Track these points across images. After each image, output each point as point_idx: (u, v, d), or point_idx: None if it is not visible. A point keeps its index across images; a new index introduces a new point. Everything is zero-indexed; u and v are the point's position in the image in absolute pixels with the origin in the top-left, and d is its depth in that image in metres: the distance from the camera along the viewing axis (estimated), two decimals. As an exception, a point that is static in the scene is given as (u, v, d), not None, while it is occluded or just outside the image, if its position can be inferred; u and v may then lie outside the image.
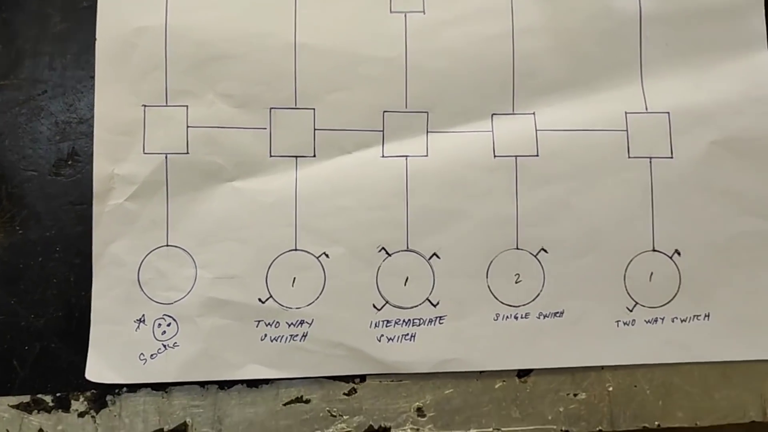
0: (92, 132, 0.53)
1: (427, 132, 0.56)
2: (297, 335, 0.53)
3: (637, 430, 0.55)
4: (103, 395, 0.53)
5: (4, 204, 0.52)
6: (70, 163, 0.53)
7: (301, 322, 0.53)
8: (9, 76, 0.54)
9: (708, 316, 0.55)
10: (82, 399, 0.53)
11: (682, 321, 0.56)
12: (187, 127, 0.54)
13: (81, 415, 0.53)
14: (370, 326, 0.54)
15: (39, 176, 0.53)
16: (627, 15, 0.57)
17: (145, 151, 0.54)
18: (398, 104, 0.55)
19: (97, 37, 0.54)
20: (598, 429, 0.55)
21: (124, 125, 0.53)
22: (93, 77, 0.53)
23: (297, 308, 0.54)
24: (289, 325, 0.53)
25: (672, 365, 0.56)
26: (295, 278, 0.54)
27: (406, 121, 0.55)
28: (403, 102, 0.55)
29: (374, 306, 0.54)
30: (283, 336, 0.53)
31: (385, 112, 0.55)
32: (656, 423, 0.55)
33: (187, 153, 0.54)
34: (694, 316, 0.56)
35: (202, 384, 0.54)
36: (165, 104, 0.54)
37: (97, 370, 0.52)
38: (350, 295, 0.54)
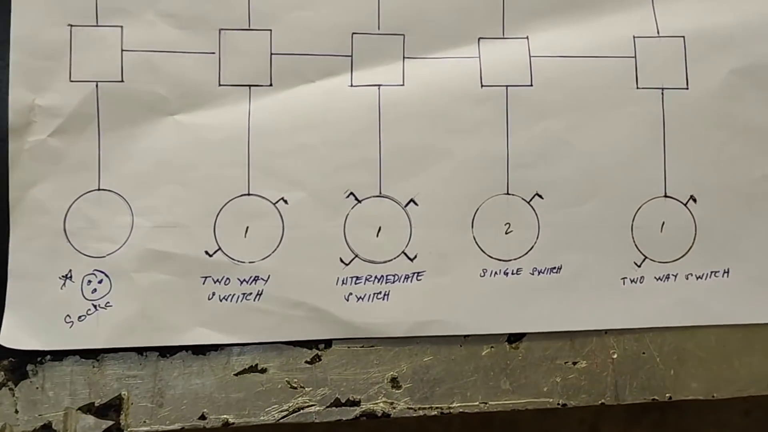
0: (7, 56, 0.45)
1: (404, 58, 0.49)
2: (250, 294, 0.46)
3: (645, 402, 0.49)
4: (22, 364, 0.46)
5: None
6: (-16, 94, 0.44)
7: (256, 279, 0.45)
8: None
9: (727, 272, 0.47)
10: None
11: (697, 278, 0.50)
12: (122, 50, 0.47)
13: None
14: (337, 283, 0.48)
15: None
16: None
17: (72, 79, 0.46)
18: (370, 25, 0.49)
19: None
20: (600, 402, 0.48)
21: (47, 48, 0.46)
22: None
23: (250, 262, 0.47)
24: (242, 282, 0.47)
25: (685, 329, 0.50)
26: (248, 228, 0.47)
27: (379, 44, 0.49)
28: (375, 22, 0.49)
29: (341, 260, 0.48)
30: (234, 295, 0.47)
31: (354, 33, 0.48)
32: (667, 395, 0.49)
33: (122, 81, 0.47)
34: (712, 272, 0.49)
35: (140, 351, 0.47)
36: (95, 24, 0.47)
37: (15, 334, 0.46)
38: (313, 248, 0.48)
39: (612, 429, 1.02)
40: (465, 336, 0.46)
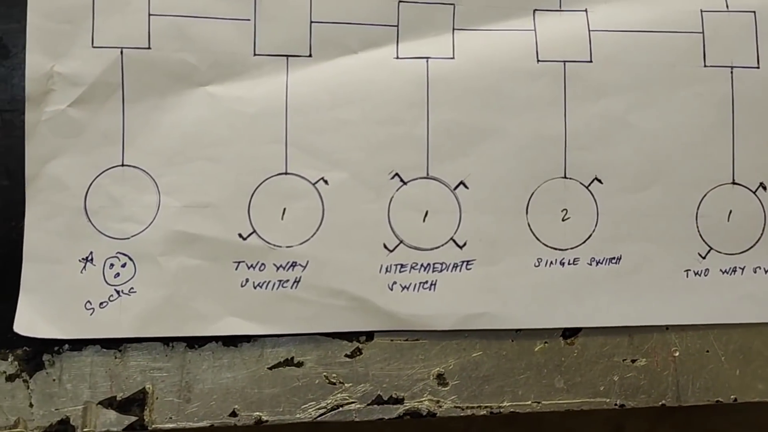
0: (24, 18, 0.42)
1: (454, 29, 0.45)
2: (287, 281, 0.43)
3: (709, 404, 0.45)
4: (38, 354, 0.42)
5: None
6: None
7: (293, 265, 0.42)
8: None
9: None
10: (11, 358, 0.42)
11: (766, 272, 0.46)
12: (149, 15, 0.43)
13: (10, 378, 0.42)
14: (380, 271, 0.44)
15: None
16: None
17: (95, 45, 0.43)
18: None
19: None
20: (661, 403, 0.45)
21: (67, 11, 0.42)
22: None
23: (288, 247, 0.44)
24: (278, 268, 0.43)
25: (752, 326, 0.46)
26: (285, 209, 0.44)
27: (428, 13, 0.45)
28: None
29: (385, 246, 0.44)
30: (269, 282, 0.43)
31: (400, 2, 0.45)
32: (732, 397, 0.46)
33: (149, 48, 0.43)
34: (783, 265, 0.43)
35: (166, 341, 0.43)
36: None
37: (30, 321, 0.42)
38: (356, 232, 0.44)
39: (637, 427, 1.00)
40: (517, 330, 0.43)
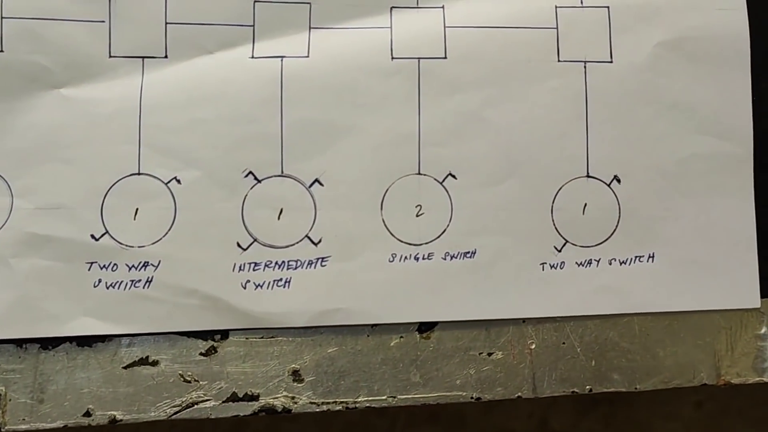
0: None
1: (310, 28, 0.46)
2: (140, 281, 0.43)
3: (565, 395, 0.46)
4: None
5: None
6: None
7: (145, 265, 0.41)
8: None
9: (652, 257, 0.44)
10: None
11: (621, 263, 0.47)
12: (1, 17, 0.43)
13: None
14: (234, 269, 0.44)
15: None
16: None
17: None
18: None
19: None
20: (517, 395, 0.46)
21: None
22: None
23: (140, 247, 0.44)
24: (130, 268, 0.43)
25: (608, 317, 0.47)
26: (137, 210, 0.44)
27: (283, 13, 0.45)
28: None
29: (239, 245, 0.45)
30: (122, 282, 0.43)
31: (256, 2, 0.45)
32: (587, 387, 0.46)
33: (2, 51, 0.43)
34: (636, 257, 0.47)
35: (19, 343, 0.43)
36: None
37: None
38: (208, 231, 0.44)
39: (562, 421, 1.00)
40: (372, 325, 0.43)
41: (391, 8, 0.44)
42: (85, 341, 0.42)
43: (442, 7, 0.45)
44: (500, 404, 0.97)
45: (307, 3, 0.44)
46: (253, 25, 0.44)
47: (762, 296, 0.45)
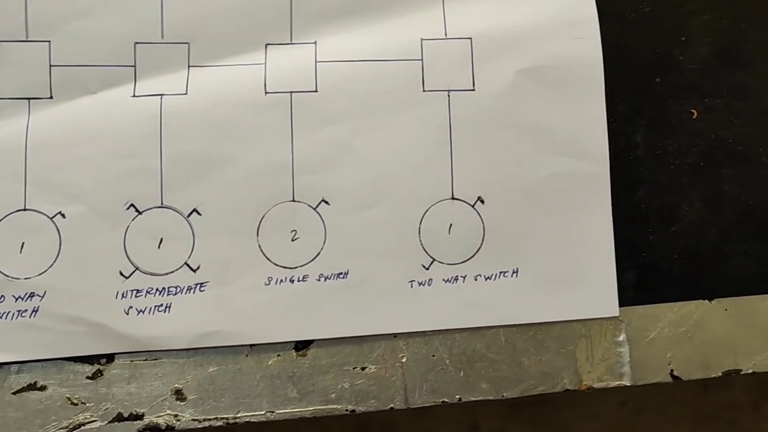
0: None
1: (189, 66, 0.48)
2: (26, 310, 0.45)
3: (436, 405, 0.48)
4: None
5: None
6: None
7: (31, 295, 0.44)
8: None
9: (516, 272, 0.47)
10: None
11: (486, 279, 0.50)
12: None
13: None
14: (117, 297, 0.47)
15: None
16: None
17: None
18: (153, 34, 0.48)
19: None
20: (390, 407, 0.48)
21: None
22: None
23: (26, 279, 0.46)
24: (17, 299, 0.46)
25: (475, 330, 0.49)
26: (23, 243, 0.46)
27: (163, 53, 0.48)
28: (158, 32, 0.48)
29: (121, 273, 0.47)
30: (8, 312, 0.46)
31: (136, 43, 0.48)
32: (457, 397, 0.49)
33: None
34: (501, 272, 0.49)
35: None
36: None
37: None
38: (92, 262, 0.47)
39: (490, 425, 1.03)
40: (251, 345, 0.46)
41: (266, 45, 0.47)
42: (-25, 369, 0.44)
43: (315, 42, 0.48)
44: (430, 410, 0.99)
45: (186, 43, 0.47)
46: (135, 65, 0.46)
47: (620, 305, 0.48)
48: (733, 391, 1.09)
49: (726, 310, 0.52)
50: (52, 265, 0.45)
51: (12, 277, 0.44)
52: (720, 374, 0.49)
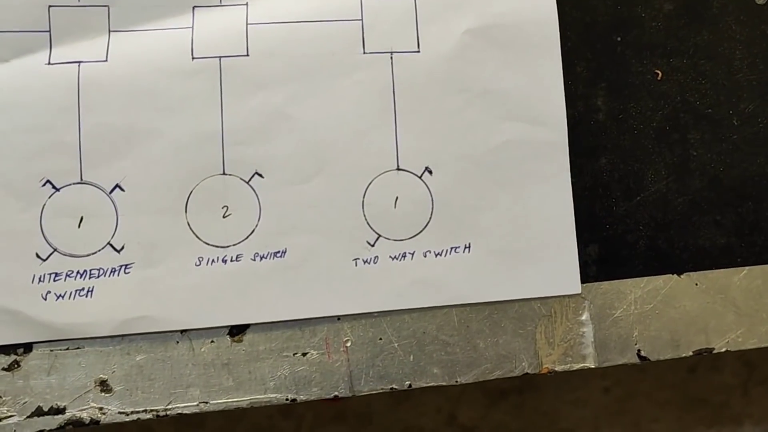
0: None
1: (109, 31, 0.45)
2: None
3: (383, 392, 0.45)
4: None
5: None
6: None
7: None
8: None
9: (468, 247, 0.44)
10: None
11: (436, 255, 0.46)
12: None
13: None
14: (33, 281, 0.43)
15: None
16: None
17: None
18: None
19: None
20: (333, 395, 0.45)
21: None
22: None
23: None
24: None
25: (425, 311, 0.46)
26: None
27: (81, 17, 0.44)
28: None
29: (38, 255, 0.43)
30: None
31: (50, 6, 0.44)
32: (407, 383, 0.46)
33: None
34: (452, 248, 0.46)
35: None
36: None
37: None
38: (6, 244, 0.43)
39: (470, 415, 1.00)
40: (182, 331, 0.42)
41: (194, 8, 0.44)
42: None
43: (246, 4, 0.44)
44: (408, 400, 0.97)
45: (105, 6, 0.43)
46: (50, 31, 0.43)
47: (583, 282, 0.44)
48: (722, 374, 1.07)
49: (696, 284, 0.48)
50: (-39, 248, 0.40)
51: None
52: (691, 353, 0.46)
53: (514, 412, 1.02)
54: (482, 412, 1.01)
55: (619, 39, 0.47)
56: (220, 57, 0.43)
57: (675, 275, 0.47)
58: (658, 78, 0.47)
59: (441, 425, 1.00)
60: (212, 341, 0.43)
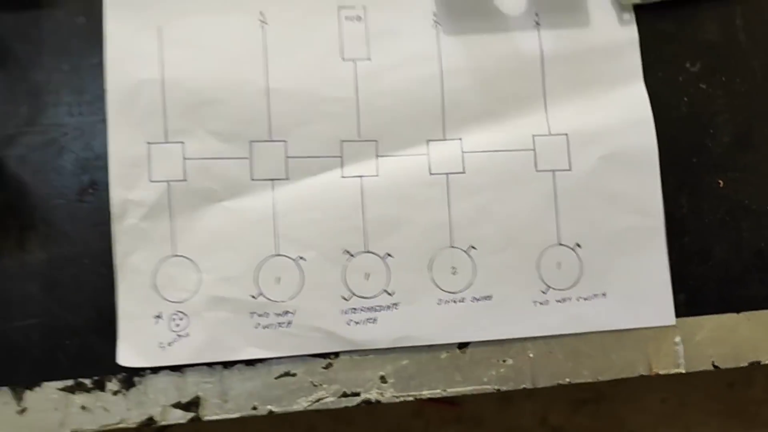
0: (107, 165, 0.57)
1: (377, 156, 0.61)
2: (283, 323, 0.59)
3: (553, 386, 0.61)
4: (131, 377, 0.58)
5: (40, 227, 0.58)
6: (90, 191, 0.59)
7: (286, 312, 0.59)
8: (36, 123, 0.58)
9: (605, 294, 0.63)
10: (114, 380, 0.58)
11: (585, 299, 0.63)
12: (184, 159, 0.59)
13: (115, 393, 0.58)
14: (341, 313, 0.60)
15: (66, 203, 0.58)
16: (531, 56, 0.63)
17: (151, 180, 0.58)
18: (353, 135, 0.61)
19: (106, 88, 0.58)
20: (522, 387, 0.61)
21: (133, 159, 0.58)
22: (105, 121, 0.57)
23: (282, 301, 0.60)
24: (277, 315, 0.59)
25: (578, 334, 0.63)
26: (279, 277, 0.59)
27: (360, 148, 0.61)
28: (356, 133, 0.61)
29: (343, 297, 0.60)
30: (272, 324, 0.59)
31: (342, 141, 0.61)
32: (567, 379, 0.62)
33: (185, 180, 0.59)
34: (594, 295, 0.63)
35: (210, 365, 0.59)
36: (165, 141, 0.58)
37: (126, 356, 0.58)
38: (323, 290, 0.60)
39: (557, 417, 1.19)
40: (429, 345, 0.60)
41: (428, 141, 0.62)
42: (250, 362, 0.63)
43: (460, 138, 0.62)
44: (510, 406, 1.15)
45: (374, 141, 0.61)
46: (341, 156, 0.61)
47: (676, 317, 0.63)
48: (755, 388, 1.20)
49: (748, 320, 0.63)
50: (299, 292, 0.60)
51: (273, 300, 0.62)
52: (746, 364, 0.61)
53: (592, 416, 1.19)
54: (567, 416, 1.19)
55: (694, 160, 0.63)
56: (447, 173, 0.61)
57: (735, 313, 0.63)
58: (720, 186, 0.63)
59: (535, 426, 1.16)
60: (447, 352, 0.61)
